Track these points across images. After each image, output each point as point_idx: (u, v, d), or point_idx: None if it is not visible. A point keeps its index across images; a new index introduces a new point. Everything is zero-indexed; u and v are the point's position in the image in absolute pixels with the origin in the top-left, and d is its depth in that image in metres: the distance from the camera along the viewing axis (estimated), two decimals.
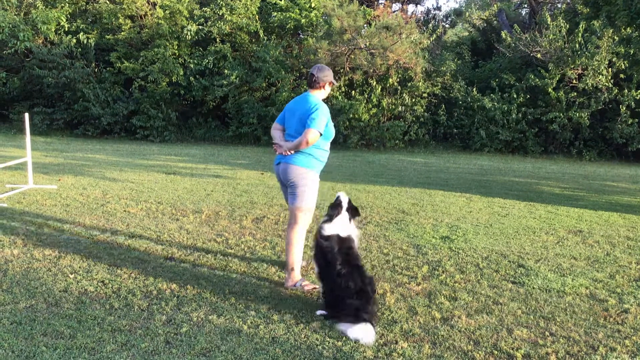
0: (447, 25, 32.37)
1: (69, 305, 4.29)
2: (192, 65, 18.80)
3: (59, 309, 4.21)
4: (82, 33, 19.05)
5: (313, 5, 19.41)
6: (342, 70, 18.84)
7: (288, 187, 4.97)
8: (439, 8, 38.17)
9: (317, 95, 5.00)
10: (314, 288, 4.81)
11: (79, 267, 5.15)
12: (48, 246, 5.80)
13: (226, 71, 18.53)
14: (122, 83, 19.56)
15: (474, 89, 19.71)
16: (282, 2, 19.49)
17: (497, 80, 19.99)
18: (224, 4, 18.94)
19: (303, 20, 19.37)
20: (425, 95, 19.56)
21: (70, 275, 4.94)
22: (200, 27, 19.03)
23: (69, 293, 4.53)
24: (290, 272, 4.92)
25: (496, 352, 3.74)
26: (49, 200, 8.15)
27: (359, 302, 4.03)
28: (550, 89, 18.72)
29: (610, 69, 18.68)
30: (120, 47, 19.27)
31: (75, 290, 4.58)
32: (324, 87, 5.02)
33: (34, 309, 4.20)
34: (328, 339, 3.84)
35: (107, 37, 19.31)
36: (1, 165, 9.71)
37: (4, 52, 18.79)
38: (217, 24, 18.96)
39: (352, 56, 18.45)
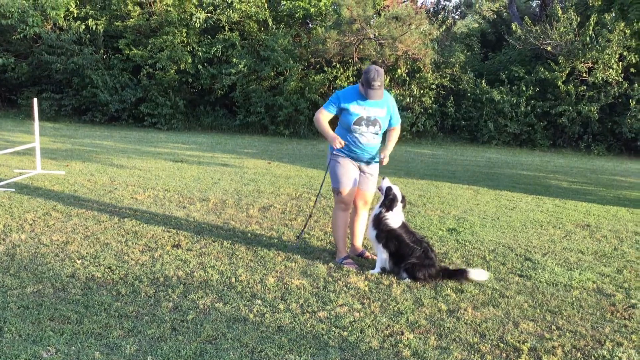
0: (457, 17, 32.16)
1: (76, 290, 4.31)
2: (200, 53, 18.73)
3: (66, 294, 4.23)
4: (90, 19, 19.00)
5: None
6: (350, 61, 18.74)
7: None
8: None
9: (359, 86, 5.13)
10: (354, 267, 5.11)
11: (86, 253, 5.18)
12: (55, 231, 5.83)
13: (234, 60, 18.45)
14: (130, 70, 19.52)
15: (483, 81, 19.57)
16: None
17: (506, 72, 19.83)
18: None
19: (312, 10, 19.25)
20: (433, 86, 19.43)
21: (77, 260, 4.96)
22: (209, 14, 18.94)
23: (76, 278, 4.55)
24: (337, 249, 5.37)
25: (502, 345, 3.74)
26: (56, 185, 8.17)
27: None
28: (559, 82, 18.57)
29: (620, 63, 18.51)
30: (129, 33, 19.21)
31: (82, 276, 4.60)
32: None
33: (41, 293, 4.22)
34: (334, 329, 3.84)
35: (116, 23, 19.25)
36: (10, 150, 9.75)
37: (13, 37, 18.79)
38: (226, 12, 18.87)
39: (361, 46, 18.33)
